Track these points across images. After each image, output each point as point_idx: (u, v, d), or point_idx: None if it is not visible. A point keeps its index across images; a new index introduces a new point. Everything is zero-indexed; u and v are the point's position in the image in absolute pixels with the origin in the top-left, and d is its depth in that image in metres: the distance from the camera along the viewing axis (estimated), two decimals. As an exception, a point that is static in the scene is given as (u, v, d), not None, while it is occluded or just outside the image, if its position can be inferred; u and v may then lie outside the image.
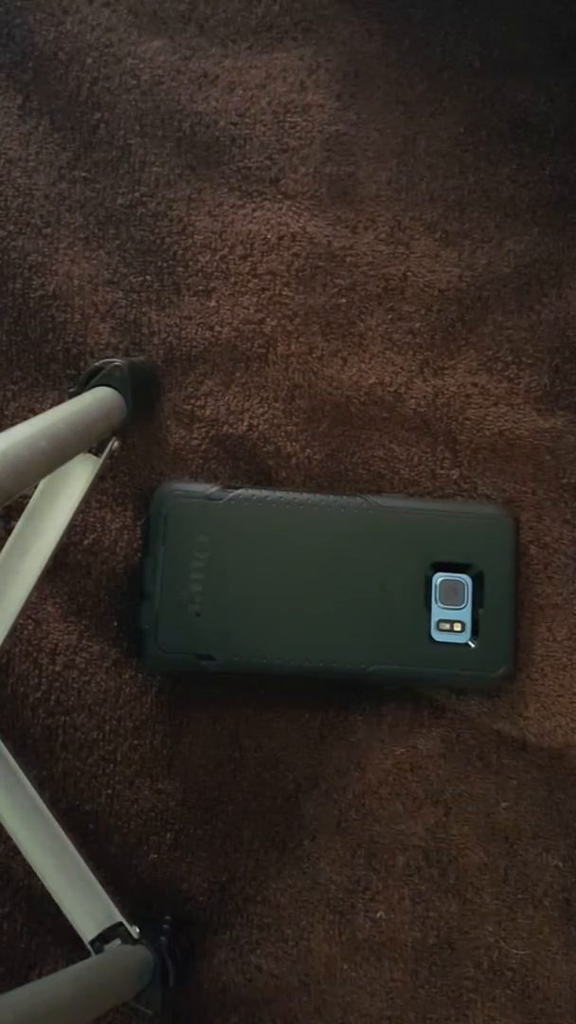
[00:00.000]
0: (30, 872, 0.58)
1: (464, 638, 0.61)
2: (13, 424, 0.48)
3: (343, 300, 0.67)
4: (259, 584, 0.61)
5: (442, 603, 0.61)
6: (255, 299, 0.67)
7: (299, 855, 0.62)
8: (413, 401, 0.66)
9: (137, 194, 0.69)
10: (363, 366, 0.67)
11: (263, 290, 0.67)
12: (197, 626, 0.60)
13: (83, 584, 0.64)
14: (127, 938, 0.56)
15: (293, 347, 0.67)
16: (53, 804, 0.59)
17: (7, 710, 0.63)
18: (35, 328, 0.67)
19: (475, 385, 0.67)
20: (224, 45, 0.71)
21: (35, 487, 0.58)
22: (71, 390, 0.63)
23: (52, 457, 0.49)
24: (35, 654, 0.64)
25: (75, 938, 0.57)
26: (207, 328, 0.67)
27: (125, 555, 0.64)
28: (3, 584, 0.56)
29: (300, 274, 0.68)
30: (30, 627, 0.64)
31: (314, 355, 0.67)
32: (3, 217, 0.68)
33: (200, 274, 0.68)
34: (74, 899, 0.57)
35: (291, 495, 0.62)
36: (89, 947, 0.56)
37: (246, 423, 0.66)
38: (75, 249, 0.68)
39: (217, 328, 0.67)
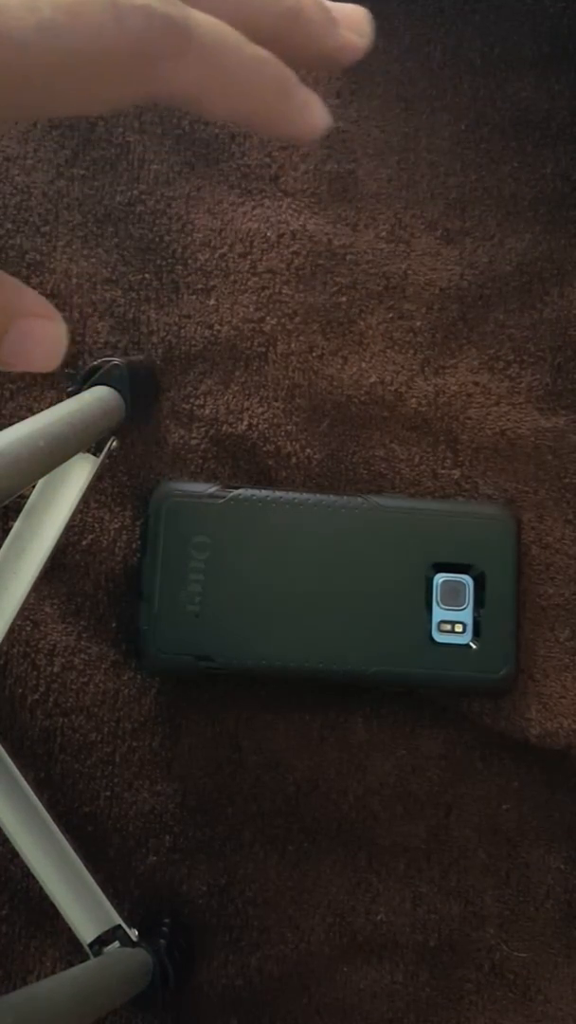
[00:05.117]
0: (28, 874, 0.58)
1: (465, 639, 0.60)
2: (11, 423, 0.47)
3: (343, 298, 0.67)
4: (259, 585, 0.61)
5: (443, 604, 0.61)
6: (255, 297, 0.67)
7: (299, 857, 0.61)
8: (414, 400, 0.66)
9: (136, 192, 0.68)
10: (364, 365, 0.66)
11: (263, 288, 0.67)
12: (196, 627, 0.60)
13: (81, 585, 0.64)
14: (126, 941, 0.56)
15: (293, 346, 0.66)
16: (51, 806, 0.59)
17: (5, 712, 0.63)
18: (33, 327, 0.67)
19: (476, 384, 0.66)
20: (223, 42, 0.70)
21: (33, 487, 0.58)
22: (69, 389, 0.63)
23: (50, 457, 0.48)
24: (33, 655, 0.63)
25: (74, 941, 0.57)
26: (206, 327, 0.67)
27: (124, 555, 0.64)
28: (0, 584, 0.56)
29: (300, 272, 0.67)
30: (28, 628, 0.63)
31: (314, 354, 0.66)
32: (1, 215, 0.68)
33: (199, 272, 0.67)
34: (73, 902, 0.56)
35: (291, 495, 0.62)
36: (88, 950, 0.56)
37: (246, 422, 0.66)
38: (73, 247, 0.68)
39: (216, 327, 0.67)
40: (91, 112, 0.17)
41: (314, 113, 0.20)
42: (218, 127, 0.69)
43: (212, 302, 0.67)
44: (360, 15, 0.22)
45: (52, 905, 0.57)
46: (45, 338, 0.18)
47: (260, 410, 0.66)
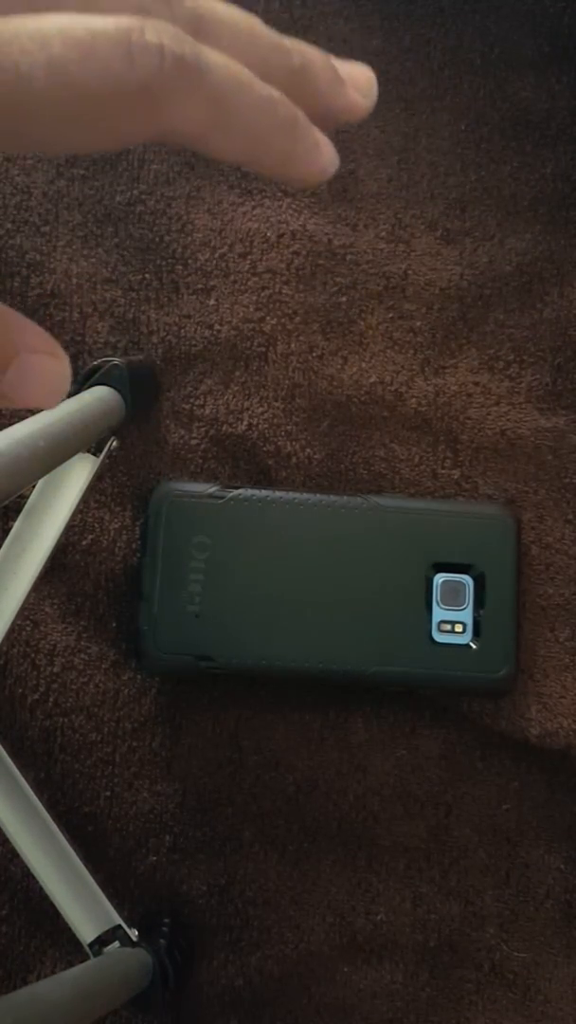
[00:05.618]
0: (28, 874, 0.58)
1: (465, 639, 0.60)
2: (11, 423, 0.47)
3: (343, 298, 0.67)
4: (259, 585, 0.61)
5: (443, 604, 0.60)
6: (255, 297, 0.67)
7: (299, 857, 0.61)
8: (414, 400, 0.66)
9: (136, 192, 0.68)
10: (364, 365, 0.66)
11: (263, 288, 0.67)
12: (196, 627, 0.60)
13: (81, 585, 0.64)
14: (126, 941, 0.56)
15: (293, 346, 0.66)
16: (51, 806, 0.59)
17: (5, 712, 0.63)
18: (33, 327, 0.67)
19: (476, 384, 0.66)
20: (223, 42, 0.70)
21: (33, 487, 0.58)
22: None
23: (50, 457, 0.48)
24: (33, 655, 0.63)
25: (74, 941, 0.57)
26: (206, 327, 0.67)
27: (124, 555, 0.64)
28: (0, 584, 0.56)
29: (300, 272, 0.67)
30: (28, 628, 0.63)
31: (314, 354, 0.66)
32: (1, 215, 0.68)
33: (199, 272, 0.67)
34: (73, 902, 0.56)
35: (291, 495, 0.62)
36: (88, 950, 0.56)
37: (246, 422, 0.66)
38: (73, 247, 0.67)
39: (216, 327, 0.67)
40: (96, 149, 0.17)
41: (323, 155, 0.19)
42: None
43: (212, 302, 0.67)
44: (367, 76, 0.21)
45: (52, 905, 0.57)
46: (47, 375, 0.17)
47: (260, 410, 0.66)
